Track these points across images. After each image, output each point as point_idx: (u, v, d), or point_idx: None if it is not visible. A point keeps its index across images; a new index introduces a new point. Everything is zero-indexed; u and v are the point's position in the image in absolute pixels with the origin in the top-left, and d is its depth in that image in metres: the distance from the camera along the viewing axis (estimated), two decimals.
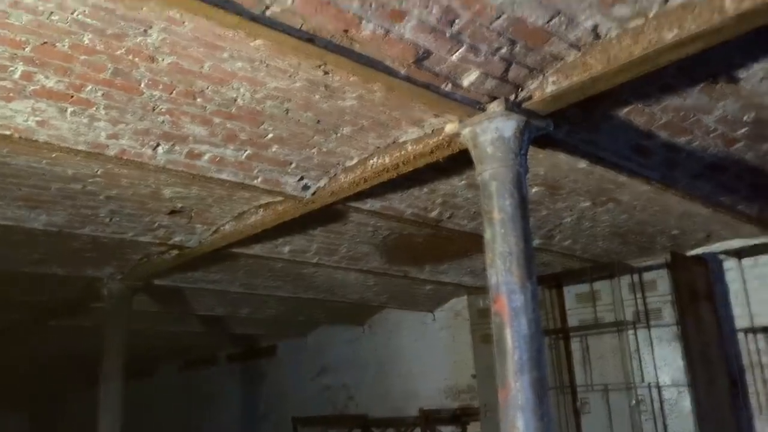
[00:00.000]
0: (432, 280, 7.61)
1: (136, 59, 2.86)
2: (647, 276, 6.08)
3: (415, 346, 9.46)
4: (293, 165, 4.02)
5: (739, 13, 2.50)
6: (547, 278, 6.63)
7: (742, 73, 3.30)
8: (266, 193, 4.37)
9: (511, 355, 2.95)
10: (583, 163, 4.18)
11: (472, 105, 3.26)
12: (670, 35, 2.70)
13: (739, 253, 6.24)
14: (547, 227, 5.78)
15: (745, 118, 3.77)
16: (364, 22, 2.57)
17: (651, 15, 2.75)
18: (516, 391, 2.92)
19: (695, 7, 2.62)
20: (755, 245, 6.13)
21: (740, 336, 6.28)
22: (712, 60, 3.14)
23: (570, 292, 6.63)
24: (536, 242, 6.14)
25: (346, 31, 2.60)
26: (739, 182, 4.82)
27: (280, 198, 4.49)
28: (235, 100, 3.25)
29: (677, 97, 3.50)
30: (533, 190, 4.86)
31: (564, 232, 5.95)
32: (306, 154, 3.91)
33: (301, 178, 4.22)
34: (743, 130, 3.95)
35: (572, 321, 6.57)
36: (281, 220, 4.78)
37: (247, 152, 3.81)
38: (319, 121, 3.52)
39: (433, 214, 5.25)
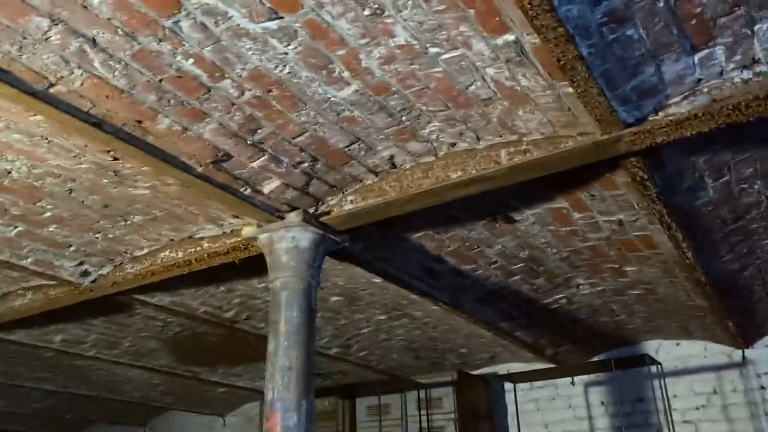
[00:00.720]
0: (224, 383, 7.21)
1: None
2: (435, 393, 6.29)
3: None
4: (72, 248, 3.67)
5: (510, 165, 2.81)
6: (341, 389, 6.60)
7: (517, 216, 3.68)
8: (37, 275, 3.90)
9: None
10: (378, 279, 4.31)
11: (270, 212, 3.25)
12: (454, 175, 2.95)
13: (515, 377, 6.68)
14: (345, 336, 5.80)
15: (520, 254, 4.17)
16: (160, 116, 2.49)
17: (440, 155, 3.00)
18: None
19: (477, 155, 2.91)
20: (530, 371, 6.60)
21: None
22: (492, 201, 3.46)
23: (362, 404, 6.63)
24: (334, 351, 6.13)
25: (139, 121, 2.49)
26: (516, 311, 5.26)
27: (53, 282, 4.04)
28: (9, 173, 2.92)
29: (463, 229, 3.80)
30: (333, 299, 4.89)
31: (361, 342, 6.02)
32: (88, 239, 3.59)
33: (81, 263, 3.85)
34: (519, 266, 4.36)
35: None
36: (53, 306, 4.28)
37: (17, 229, 3.40)
38: (106, 206, 3.28)
39: (229, 314, 5.04)
